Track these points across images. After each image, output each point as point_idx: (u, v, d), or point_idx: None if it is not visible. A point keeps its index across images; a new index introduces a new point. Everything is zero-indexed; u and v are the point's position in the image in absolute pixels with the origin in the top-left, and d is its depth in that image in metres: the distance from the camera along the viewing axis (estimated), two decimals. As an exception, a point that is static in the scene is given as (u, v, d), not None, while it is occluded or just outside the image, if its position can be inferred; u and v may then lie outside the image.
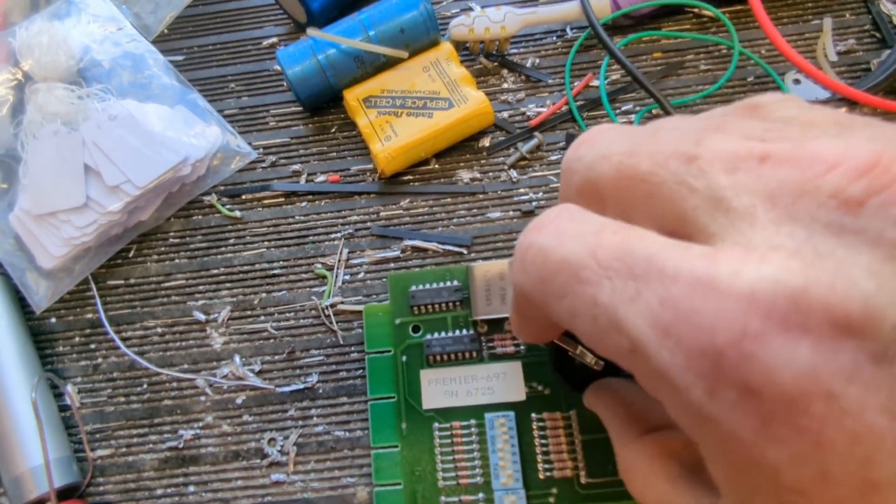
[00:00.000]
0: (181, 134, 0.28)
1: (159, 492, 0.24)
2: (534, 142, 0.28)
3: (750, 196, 0.12)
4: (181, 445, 0.25)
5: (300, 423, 0.25)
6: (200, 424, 0.25)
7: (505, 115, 0.30)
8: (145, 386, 0.26)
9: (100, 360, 0.27)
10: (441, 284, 0.25)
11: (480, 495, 0.22)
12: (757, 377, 0.11)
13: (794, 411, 0.11)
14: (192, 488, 0.24)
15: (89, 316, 0.27)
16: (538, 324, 0.18)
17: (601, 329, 0.13)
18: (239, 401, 0.25)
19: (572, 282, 0.13)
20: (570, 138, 0.28)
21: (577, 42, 0.30)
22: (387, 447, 0.23)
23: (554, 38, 0.31)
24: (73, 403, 0.26)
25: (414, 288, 0.25)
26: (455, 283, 0.25)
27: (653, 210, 0.14)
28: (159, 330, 0.27)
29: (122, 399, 0.26)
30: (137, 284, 0.28)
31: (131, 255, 0.28)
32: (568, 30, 0.31)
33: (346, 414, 0.25)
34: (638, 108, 0.29)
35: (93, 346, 0.27)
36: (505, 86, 0.30)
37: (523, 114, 0.30)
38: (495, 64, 0.31)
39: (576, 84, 0.30)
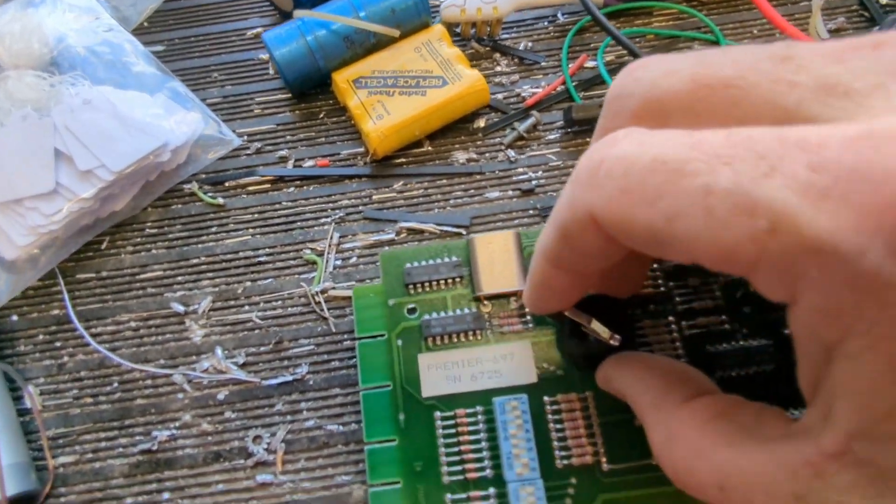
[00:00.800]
0: (161, 120, 0.26)
1: (129, 501, 0.21)
2: (531, 120, 0.27)
3: (873, 76, 0.11)
4: (155, 448, 0.22)
5: (289, 418, 0.22)
6: (177, 424, 0.22)
7: (499, 96, 0.28)
8: (116, 385, 0.23)
9: (66, 358, 0.24)
10: (439, 261, 0.23)
11: (491, 490, 0.20)
12: None
13: None
14: (166, 495, 0.21)
15: (55, 312, 0.25)
16: (568, 277, 0.16)
17: (719, 220, 0.11)
18: (221, 396, 0.23)
19: (674, 178, 0.12)
20: (568, 114, 0.26)
21: (577, 24, 0.29)
22: (382, 441, 0.21)
23: (546, 24, 0.30)
24: (34, 406, 0.23)
25: (409, 265, 0.23)
26: (454, 258, 0.23)
27: (738, 117, 0.12)
28: (133, 324, 0.24)
29: (90, 400, 0.23)
30: (110, 277, 0.25)
31: (104, 246, 0.26)
32: (559, 15, 0.30)
33: (340, 406, 0.23)
34: (634, 88, 0.28)
35: (58, 345, 0.24)
36: (498, 69, 0.29)
37: (518, 95, 0.28)
38: (487, 48, 0.29)
39: (570, 65, 0.29)
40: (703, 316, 0.22)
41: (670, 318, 0.22)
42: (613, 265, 0.18)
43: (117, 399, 0.23)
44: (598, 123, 0.16)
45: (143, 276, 0.25)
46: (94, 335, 0.24)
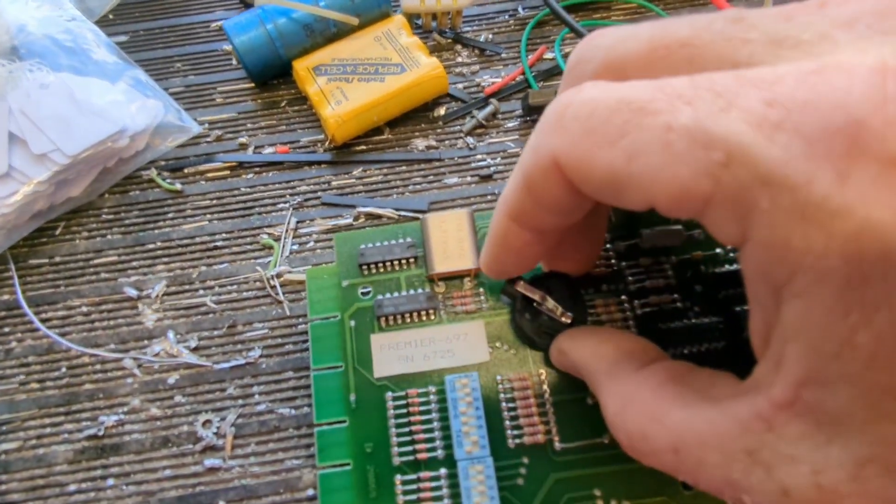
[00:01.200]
0: (120, 107, 0.26)
1: (72, 487, 0.21)
2: (490, 108, 0.27)
3: (821, 27, 0.11)
4: (101, 433, 0.21)
5: (240, 402, 0.22)
6: (125, 409, 0.22)
7: (460, 86, 0.28)
8: (64, 370, 0.22)
9: (14, 343, 0.23)
10: (393, 242, 0.22)
11: (442, 470, 0.19)
12: None
13: None
14: (111, 481, 0.21)
15: (5, 297, 0.24)
16: (528, 236, 0.16)
17: (675, 155, 0.11)
18: (171, 381, 0.22)
19: (636, 117, 0.12)
20: (525, 101, 0.26)
21: (536, 17, 0.29)
22: (333, 423, 0.20)
23: (506, 17, 0.30)
24: (-23, 392, 0.22)
25: (363, 246, 0.22)
26: (408, 239, 0.22)
27: (694, 73, 0.12)
28: (84, 309, 0.24)
29: (37, 385, 0.22)
30: (63, 262, 0.25)
31: (58, 232, 0.25)
32: (520, 8, 0.30)
33: (293, 390, 0.22)
34: (593, 79, 0.28)
35: (6, 330, 0.23)
36: (459, 59, 0.29)
37: (478, 85, 0.28)
38: (449, 40, 0.30)
39: (529, 57, 0.29)
40: (655, 294, 0.21)
41: (623, 297, 0.21)
42: (569, 235, 0.18)
43: (65, 384, 0.22)
44: (558, 92, 0.16)
45: (97, 262, 0.25)
46: (43, 320, 0.23)
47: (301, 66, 0.27)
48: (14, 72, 0.26)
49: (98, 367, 0.22)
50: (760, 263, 0.11)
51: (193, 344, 0.23)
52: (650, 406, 0.14)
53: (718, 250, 0.22)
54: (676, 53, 0.13)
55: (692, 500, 0.19)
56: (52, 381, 0.22)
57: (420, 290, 0.22)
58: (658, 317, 0.21)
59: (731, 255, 0.22)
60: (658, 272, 0.22)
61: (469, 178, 0.26)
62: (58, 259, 0.25)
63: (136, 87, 0.27)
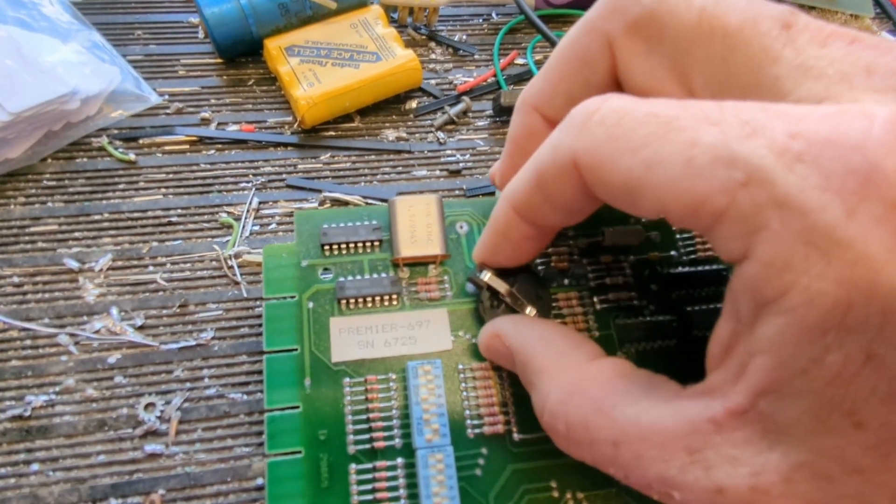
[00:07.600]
0: (71, 67, 0.24)
1: (-12, 472, 0.18)
2: (462, 105, 0.26)
3: (843, 66, 0.12)
4: (27, 414, 0.19)
5: (188, 385, 0.20)
6: (57, 389, 0.19)
7: (432, 82, 0.27)
8: (-12, 344, 0.20)
9: (-71, 312, 0.20)
10: (357, 223, 0.21)
11: (399, 460, 0.18)
12: None
13: None
14: (35, 466, 0.18)
15: (-77, 262, 0.21)
16: (528, 230, 0.16)
17: (697, 170, 0.11)
18: (111, 360, 0.20)
19: (661, 130, 0.12)
20: (497, 101, 0.26)
21: (509, 23, 0.29)
22: (285, 408, 0.19)
23: (480, 21, 0.30)
24: None
25: (326, 226, 0.21)
26: (374, 222, 0.21)
27: (720, 71, 0.13)
28: (15, 279, 0.21)
29: (-46, 360, 0.20)
30: (-5, 228, 0.22)
31: (-9, 195, 0.23)
32: (494, 14, 0.30)
33: (246, 374, 0.20)
34: (560, 86, 0.28)
35: (-78, 297, 0.20)
36: (433, 56, 0.28)
37: (450, 82, 0.28)
38: (423, 37, 0.29)
39: (501, 60, 0.28)
40: (613, 291, 0.21)
41: (583, 293, 0.21)
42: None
43: (-13, 359, 0.20)
44: (587, 15, 0.16)
45: (33, 230, 0.22)
46: (-33, 289, 0.21)
47: (273, 45, 0.25)
48: (-48, 20, 0.23)
49: (28, 342, 0.20)
50: (754, 279, 0.12)
51: (139, 322, 0.21)
52: (599, 399, 0.14)
53: (673, 252, 0.22)
54: (716, 43, 0.13)
55: (643, 493, 0.19)
56: (-28, 356, 0.20)
57: (384, 275, 0.21)
58: (616, 312, 0.21)
59: (685, 257, 0.22)
60: (617, 270, 0.22)
61: (438, 172, 0.25)
62: (-11, 224, 0.22)
63: (91, 50, 0.25)
